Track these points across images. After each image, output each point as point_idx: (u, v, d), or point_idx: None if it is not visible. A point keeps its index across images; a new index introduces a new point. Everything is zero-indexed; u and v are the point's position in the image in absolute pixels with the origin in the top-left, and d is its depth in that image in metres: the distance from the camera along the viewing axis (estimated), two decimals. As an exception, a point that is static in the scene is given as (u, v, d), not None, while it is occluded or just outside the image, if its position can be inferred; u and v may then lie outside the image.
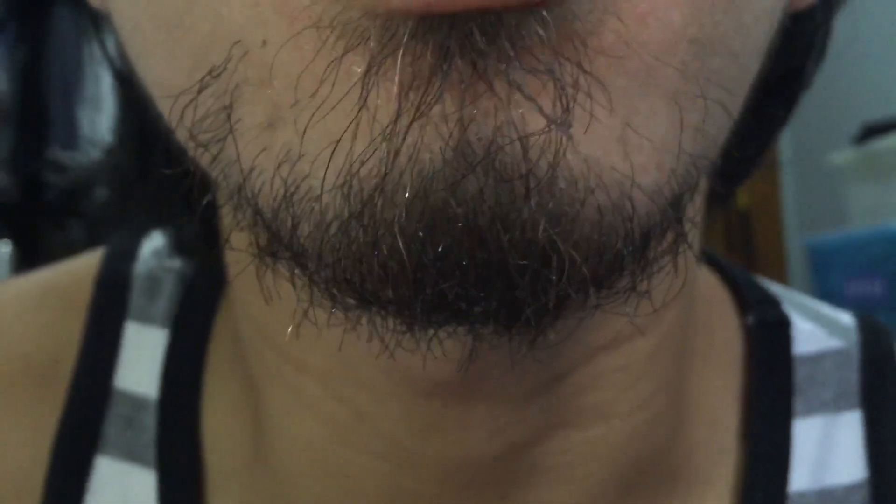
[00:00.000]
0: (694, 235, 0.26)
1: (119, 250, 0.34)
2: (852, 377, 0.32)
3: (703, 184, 0.26)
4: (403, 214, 0.16)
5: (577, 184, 0.17)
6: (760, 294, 0.34)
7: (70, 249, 0.36)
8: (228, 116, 0.18)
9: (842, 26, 0.31)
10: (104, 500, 0.30)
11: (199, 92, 0.18)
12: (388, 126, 0.16)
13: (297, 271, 0.19)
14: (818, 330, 0.33)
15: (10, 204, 1.53)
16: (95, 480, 0.30)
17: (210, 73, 0.18)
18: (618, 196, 0.17)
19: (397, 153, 0.16)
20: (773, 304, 0.33)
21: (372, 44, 0.16)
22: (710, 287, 0.33)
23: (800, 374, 0.32)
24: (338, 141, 0.16)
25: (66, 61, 1.53)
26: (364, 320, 0.19)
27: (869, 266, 1.40)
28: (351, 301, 0.18)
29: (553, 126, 0.16)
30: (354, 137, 0.16)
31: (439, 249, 0.17)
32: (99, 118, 1.51)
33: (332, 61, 0.16)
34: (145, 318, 0.32)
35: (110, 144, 0.33)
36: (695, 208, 0.25)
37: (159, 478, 0.30)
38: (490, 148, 0.16)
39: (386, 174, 0.16)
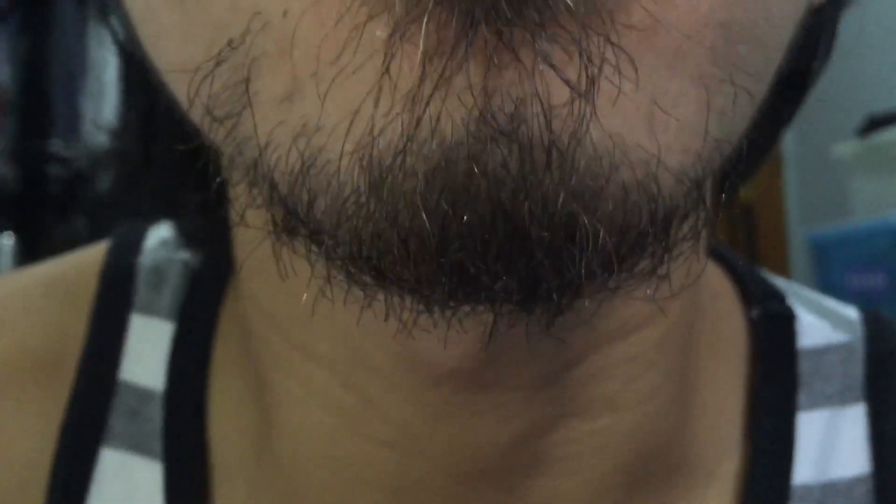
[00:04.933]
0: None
1: (124, 242, 0.34)
2: (857, 371, 0.32)
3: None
4: (424, 186, 0.16)
5: (601, 160, 0.16)
6: (765, 287, 0.34)
7: (73, 241, 0.36)
8: (246, 89, 0.17)
9: (846, 18, 0.31)
10: (109, 491, 0.30)
11: (217, 65, 0.18)
12: (410, 92, 0.16)
13: (313, 248, 0.18)
14: (823, 324, 0.33)
15: (13, 195, 1.53)
16: (100, 472, 0.30)
17: (228, 44, 0.17)
18: (643, 175, 0.17)
19: (419, 122, 0.16)
20: (777, 297, 0.33)
21: (397, 9, 0.16)
22: (715, 280, 0.33)
23: (804, 368, 0.32)
24: (357, 110, 0.16)
25: (69, 51, 1.53)
26: (381, 298, 0.19)
27: (871, 259, 1.39)
28: (368, 279, 0.18)
29: (577, 98, 0.16)
30: (375, 106, 0.16)
31: (462, 223, 0.16)
32: (102, 109, 1.51)
33: (355, 27, 0.16)
34: (151, 311, 0.32)
35: (115, 129, 0.33)
36: (711, 197, 0.25)
37: (165, 469, 0.30)
38: (513, 118, 0.16)
39: (406, 144, 0.16)
